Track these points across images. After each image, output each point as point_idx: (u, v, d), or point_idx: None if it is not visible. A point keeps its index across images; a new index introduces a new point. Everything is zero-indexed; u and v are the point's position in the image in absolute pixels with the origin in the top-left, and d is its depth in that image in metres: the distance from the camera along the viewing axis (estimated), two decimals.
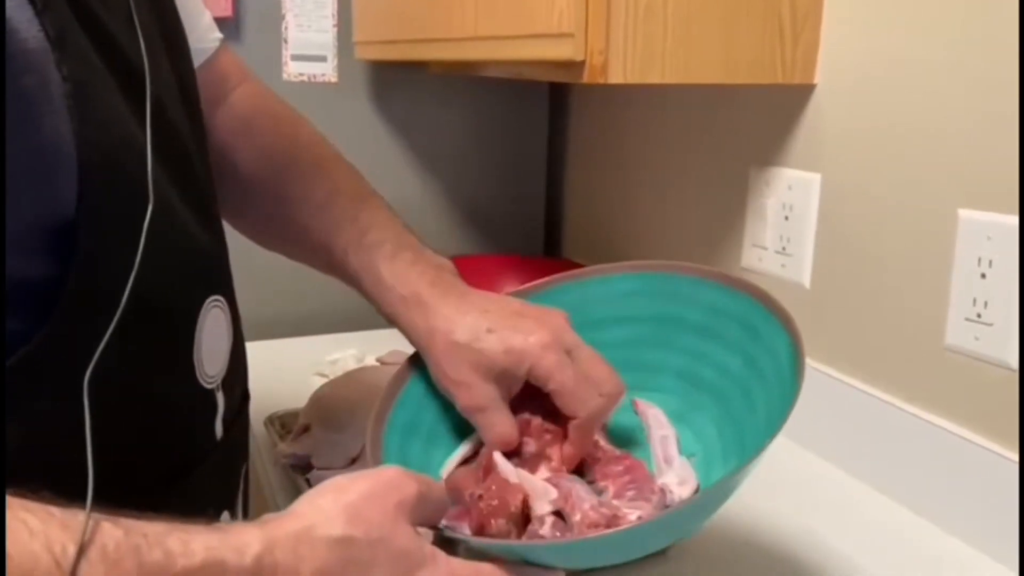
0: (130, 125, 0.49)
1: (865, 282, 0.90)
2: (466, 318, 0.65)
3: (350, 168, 0.77)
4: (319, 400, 0.90)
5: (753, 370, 0.63)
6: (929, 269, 0.82)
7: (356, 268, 0.71)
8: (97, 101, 0.46)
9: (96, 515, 0.38)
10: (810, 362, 0.95)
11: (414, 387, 0.67)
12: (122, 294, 0.45)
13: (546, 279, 0.73)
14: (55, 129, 0.43)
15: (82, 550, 0.36)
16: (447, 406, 0.67)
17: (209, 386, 0.57)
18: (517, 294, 0.72)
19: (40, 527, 0.36)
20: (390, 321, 0.70)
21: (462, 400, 0.64)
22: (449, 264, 0.71)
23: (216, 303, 0.58)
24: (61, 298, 0.43)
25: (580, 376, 0.62)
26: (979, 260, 0.77)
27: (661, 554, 0.74)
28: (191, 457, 0.56)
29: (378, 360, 1.17)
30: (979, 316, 0.77)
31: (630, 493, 0.61)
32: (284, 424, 0.97)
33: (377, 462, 0.59)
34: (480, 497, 0.57)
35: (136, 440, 0.50)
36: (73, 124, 0.43)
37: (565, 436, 0.64)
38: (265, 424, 0.97)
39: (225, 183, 0.74)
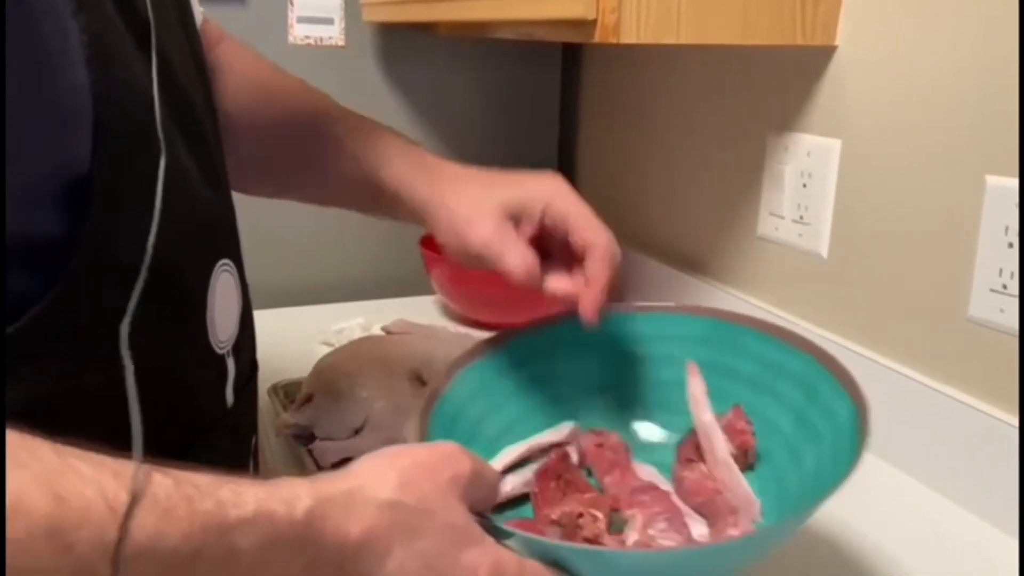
0: (142, 79, 0.48)
1: (885, 252, 0.87)
2: (470, 172, 0.68)
3: (318, 91, 0.78)
4: (322, 370, 0.89)
5: (805, 430, 0.62)
6: (953, 238, 0.79)
7: (340, 191, 0.73)
8: (113, 53, 0.44)
9: (147, 465, 0.37)
10: (827, 334, 0.94)
11: (462, 383, 0.66)
12: (143, 253, 0.44)
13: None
14: (73, 80, 0.41)
15: (135, 498, 0.35)
16: (490, 408, 0.66)
17: (221, 351, 0.56)
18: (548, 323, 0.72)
19: (92, 474, 0.35)
20: (398, 218, 0.72)
21: (476, 235, 0.65)
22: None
23: (226, 267, 0.57)
24: (75, 256, 0.41)
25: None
26: (1006, 229, 0.73)
27: None
28: (202, 424, 0.55)
29: (383, 329, 1.16)
30: (1005, 287, 0.74)
31: (661, 525, 0.59)
32: (288, 394, 0.95)
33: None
34: (581, 515, 0.56)
35: (148, 405, 0.48)
36: (91, 76, 0.42)
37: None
38: (269, 393, 0.96)
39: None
